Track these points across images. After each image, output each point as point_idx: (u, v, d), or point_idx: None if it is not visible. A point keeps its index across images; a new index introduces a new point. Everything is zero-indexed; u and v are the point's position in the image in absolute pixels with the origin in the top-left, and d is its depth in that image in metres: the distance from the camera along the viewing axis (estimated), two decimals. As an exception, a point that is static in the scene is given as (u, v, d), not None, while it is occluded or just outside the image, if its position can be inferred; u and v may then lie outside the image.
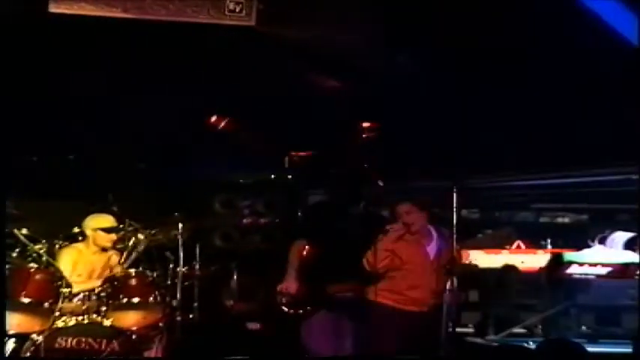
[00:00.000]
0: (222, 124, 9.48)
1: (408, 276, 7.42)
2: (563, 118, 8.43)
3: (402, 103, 8.92)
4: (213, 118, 9.50)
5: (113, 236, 8.36)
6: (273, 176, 9.97)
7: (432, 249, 7.51)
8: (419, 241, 7.49)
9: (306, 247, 7.89)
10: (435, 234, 7.53)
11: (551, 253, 9.14)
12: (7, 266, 7.86)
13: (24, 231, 8.20)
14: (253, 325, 8.91)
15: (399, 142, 8.98)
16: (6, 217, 6.98)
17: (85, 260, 8.47)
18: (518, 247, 9.41)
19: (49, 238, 8.50)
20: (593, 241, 9.16)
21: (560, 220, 9.82)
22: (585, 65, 7.77)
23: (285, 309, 7.53)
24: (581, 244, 9.12)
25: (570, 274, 8.92)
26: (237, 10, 7.72)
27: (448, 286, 7.20)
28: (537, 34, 7.74)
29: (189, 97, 8.97)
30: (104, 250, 8.51)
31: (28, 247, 8.17)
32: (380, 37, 8.20)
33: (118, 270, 8.23)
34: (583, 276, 8.87)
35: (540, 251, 9.24)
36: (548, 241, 9.33)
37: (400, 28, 8.05)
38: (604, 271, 8.84)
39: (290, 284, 8.03)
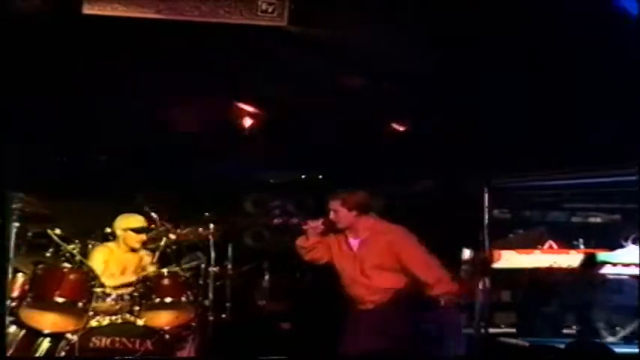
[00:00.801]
0: (253, 123, 9.51)
1: (340, 274, 7.40)
2: (596, 116, 8.38)
3: (433, 102, 8.91)
4: (244, 118, 9.54)
5: (143, 237, 8.40)
6: (303, 176, 9.98)
7: (359, 246, 7.36)
8: (346, 238, 7.40)
9: None
10: (366, 232, 7.35)
11: (584, 253, 9.06)
12: (40, 266, 7.95)
13: (57, 231, 8.25)
14: (285, 325, 8.91)
15: (429, 141, 8.98)
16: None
17: (116, 260, 8.52)
18: (551, 247, 9.35)
19: (82, 238, 8.56)
20: (626, 240, 9.08)
21: (592, 220, 9.72)
22: (620, 64, 7.72)
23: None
24: (614, 244, 9.04)
25: (603, 275, 8.85)
26: (269, 11, 7.72)
27: (480, 286, 7.15)
28: (572, 33, 7.68)
29: (220, 96, 8.99)
30: (134, 250, 8.56)
31: (62, 247, 8.21)
32: (411, 37, 8.17)
33: (150, 270, 8.26)
34: (616, 276, 8.80)
35: (573, 251, 9.15)
36: (581, 241, 9.24)
37: (431, 27, 8.01)
38: (637, 271, 8.77)
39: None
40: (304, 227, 7.41)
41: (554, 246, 9.30)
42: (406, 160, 8.91)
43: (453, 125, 8.83)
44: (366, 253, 7.29)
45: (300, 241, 7.51)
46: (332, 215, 7.32)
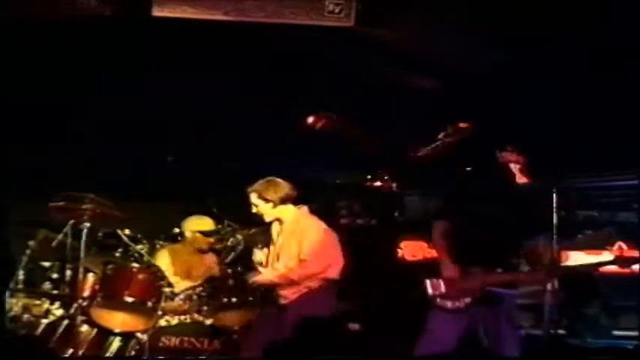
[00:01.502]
0: (320, 124, 9.52)
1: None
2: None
3: (501, 103, 8.84)
4: (310, 119, 9.55)
5: (211, 239, 8.45)
6: (369, 177, 9.97)
7: (278, 243, 7.40)
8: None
9: (449, 227, 6.99)
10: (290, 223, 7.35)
11: (655, 254, 8.92)
12: (110, 266, 8.05)
13: (127, 231, 8.35)
14: (353, 326, 8.89)
15: (499, 141, 8.89)
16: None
17: (181, 260, 8.61)
18: (620, 248, 9.23)
19: (150, 239, 8.66)
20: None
21: (663, 220, 9.59)
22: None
23: (439, 303, 6.99)
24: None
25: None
26: (336, 11, 7.71)
27: (549, 287, 7.04)
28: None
29: (287, 97, 9.01)
30: (201, 251, 8.62)
31: (130, 248, 8.31)
32: (479, 37, 8.11)
33: (216, 270, 8.30)
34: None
35: (641, 252, 9.02)
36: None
37: (499, 27, 7.95)
38: None
39: (450, 271, 6.91)
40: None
41: (624, 247, 9.18)
42: (475, 160, 8.83)
43: (522, 125, 8.74)
44: (288, 252, 7.30)
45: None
46: (254, 209, 7.34)
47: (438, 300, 6.80)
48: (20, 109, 8.86)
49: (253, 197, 7.32)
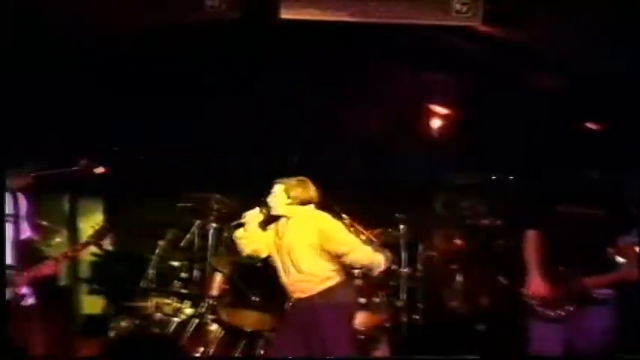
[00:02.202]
0: (444, 124, 9.48)
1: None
2: None
3: (625, 104, 8.63)
4: (434, 118, 9.52)
5: None
6: (494, 177, 9.86)
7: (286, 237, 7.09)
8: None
9: (541, 238, 6.92)
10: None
11: None
12: (237, 265, 8.16)
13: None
14: (479, 326, 8.82)
15: (620, 141, 8.70)
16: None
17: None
18: None
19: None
20: None
21: None
22: None
23: (542, 312, 6.94)
24: None
25: None
26: (463, 11, 7.65)
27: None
28: None
29: (410, 96, 9.00)
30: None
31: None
32: (607, 37, 7.92)
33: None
34: None
35: None
36: None
37: (629, 27, 7.74)
38: None
39: (537, 284, 6.84)
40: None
41: None
42: (595, 162, 8.66)
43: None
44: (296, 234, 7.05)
45: (237, 233, 7.25)
46: (270, 198, 7.13)
47: (540, 309, 6.74)
48: (147, 111, 9.08)
49: (279, 189, 7.25)
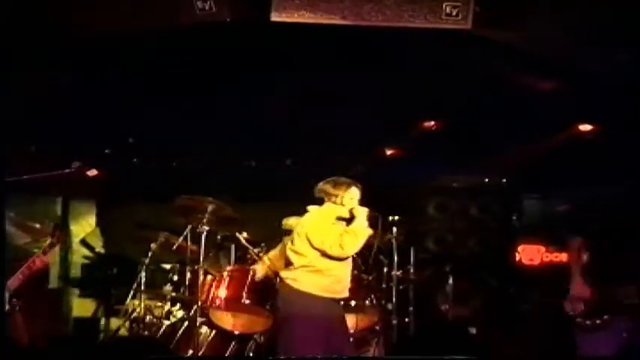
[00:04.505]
0: (436, 127, 9.47)
1: None
2: None
3: (621, 104, 8.63)
4: (427, 122, 9.51)
5: None
6: (486, 180, 9.86)
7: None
8: None
9: (584, 245, 6.99)
10: None
11: None
12: (229, 268, 8.16)
13: (244, 235, 8.42)
14: (471, 330, 8.81)
15: (619, 144, 8.71)
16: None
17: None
18: None
19: (267, 242, 8.71)
20: None
21: None
22: None
23: (580, 319, 6.86)
24: None
25: None
26: (453, 14, 7.63)
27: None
28: None
29: (403, 100, 8.99)
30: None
31: (249, 250, 8.38)
32: (596, 38, 7.91)
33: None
34: None
35: None
36: None
37: (618, 27, 7.73)
38: None
39: (581, 289, 6.90)
40: None
41: None
42: (594, 164, 8.66)
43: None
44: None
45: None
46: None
47: (578, 318, 6.74)
48: (139, 114, 9.07)
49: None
